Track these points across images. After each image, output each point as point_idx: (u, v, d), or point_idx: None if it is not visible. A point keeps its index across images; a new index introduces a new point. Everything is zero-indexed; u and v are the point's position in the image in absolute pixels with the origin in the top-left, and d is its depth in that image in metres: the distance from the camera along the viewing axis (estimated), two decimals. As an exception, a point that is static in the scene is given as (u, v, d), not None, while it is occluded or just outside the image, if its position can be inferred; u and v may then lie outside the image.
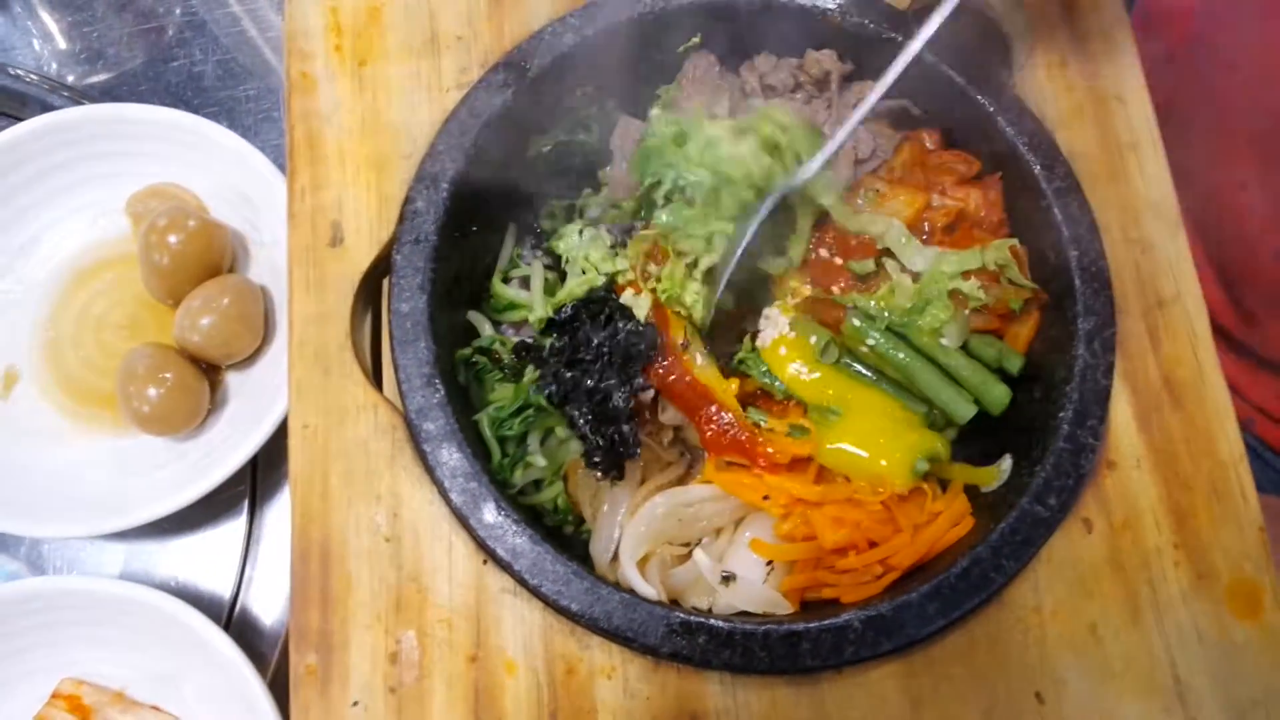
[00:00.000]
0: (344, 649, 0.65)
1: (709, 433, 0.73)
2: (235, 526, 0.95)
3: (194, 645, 0.84)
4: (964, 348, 0.76)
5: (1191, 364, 0.74)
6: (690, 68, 0.83)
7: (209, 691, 0.87)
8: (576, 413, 0.72)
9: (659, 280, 0.76)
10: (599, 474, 0.72)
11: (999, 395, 0.74)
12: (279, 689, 0.82)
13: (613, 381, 0.71)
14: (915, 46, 0.70)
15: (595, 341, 0.73)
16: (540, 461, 0.76)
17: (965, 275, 0.75)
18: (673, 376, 0.74)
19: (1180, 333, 0.74)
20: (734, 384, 0.75)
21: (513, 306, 0.82)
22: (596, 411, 0.71)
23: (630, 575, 0.71)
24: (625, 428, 0.71)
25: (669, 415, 0.75)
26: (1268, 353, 1.11)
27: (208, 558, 0.95)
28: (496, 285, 0.82)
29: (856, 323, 0.75)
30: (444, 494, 0.67)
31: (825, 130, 0.82)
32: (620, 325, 0.74)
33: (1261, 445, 1.18)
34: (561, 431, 0.77)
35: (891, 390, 0.76)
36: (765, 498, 0.72)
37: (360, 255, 0.73)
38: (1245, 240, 1.05)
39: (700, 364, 0.74)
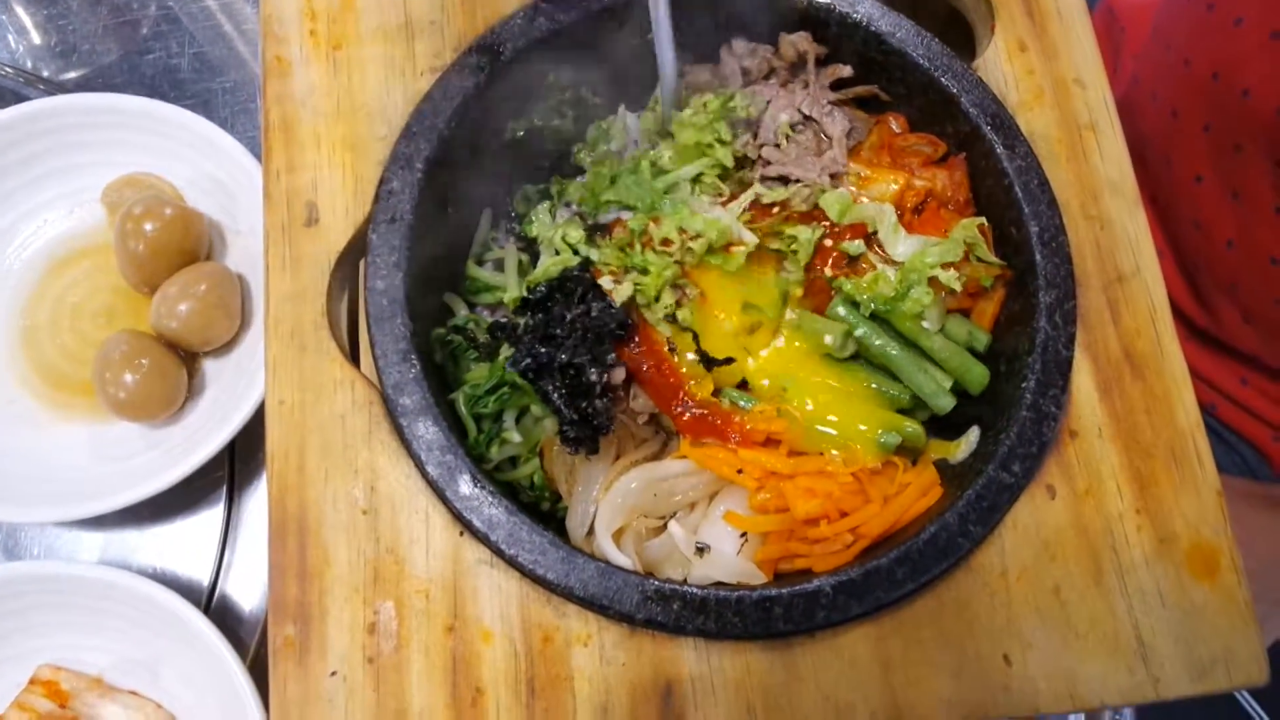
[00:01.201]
0: (322, 620, 0.65)
1: (681, 419, 0.74)
2: (214, 513, 0.96)
3: (173, 629, 0.85)
4: (940, 330, 0.78)
5: (1150, 336, 0.76)
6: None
7: (188, 676, 0.87)
8: (550, 387, 0.73)
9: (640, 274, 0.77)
10: (572, 449, 0.73)
11: (979, 375, 0.77)
12: (259, 673, 0.83)
13: (586, 357, 0.72)
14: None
15: (568, 318, 0.74)
16: (516, 438, 0.77)
17: (945, 265, 0.77)
18: (645, 365, 0.75)
19: (1140, 306, 0.76)
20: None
21: (487, 288, 0.83)
22: (570, 386, 0.72)
23: (606, 548, 0.72)
24: (599, 402, 0.72)
25: (640, 403, 0.76)
26: (1226, 338, 1.14)
27: (186, 544, 0.95)
28: (471, 267, 0.83)
29: (842, 312, 0.77)
30: (420, 467, 0.68)
31: (804, 109, 0.84)
32: (593, 304, 0.75)
33: (1224, 428, 1.20)
34: (537, 409, 0.78)
35: (865, 370, 0.78)
36: (739, 471, 0.74)
37: (336, 235, 0.73)
38: (1201, 229, 1.07)
39: (690, 360, 0.76)
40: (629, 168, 0.82)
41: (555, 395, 0.73)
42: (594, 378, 0.73)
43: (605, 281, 0.77)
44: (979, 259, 0.78)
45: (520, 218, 0.86)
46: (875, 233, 0.80)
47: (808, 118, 0.84)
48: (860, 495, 0.73)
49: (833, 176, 0.82)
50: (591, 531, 0.74)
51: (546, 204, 0.83)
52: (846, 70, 0.84)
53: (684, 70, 0.87)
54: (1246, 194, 0.97)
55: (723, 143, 0.80)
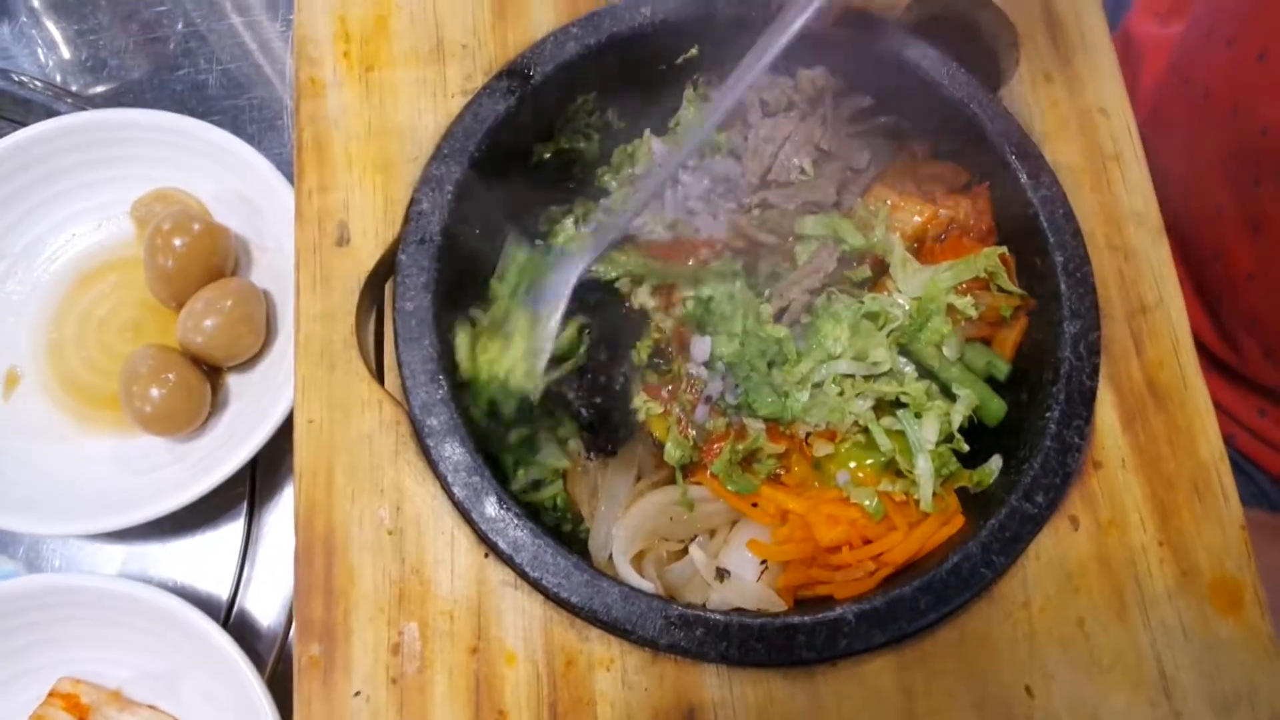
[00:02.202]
0: (347, 640, 0.66)
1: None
2: (234, 528, 0.96)
3: (193, 644, 0.85)
4: (959, 359, 0.78)
5: (1173, 367, 0.76)
6: None
7: (207, 691, 0.87)
8: (571, 392, 0.73)
9: None
10: (592, 454, 0.74)
11: (996, 409, 0.77)
12: (277, 689, 0.83)
13: (603, 358, 0.73)
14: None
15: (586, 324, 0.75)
16: (543, 460, 0.77)
17: (960, 290, 0.78)
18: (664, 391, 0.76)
19: (1163, 337, 0.77)
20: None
21: None
22: (590, 387, 0.73)
23: (624, 570, 0.72)
24: (617, 405, 0.73)
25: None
26: (1247, 371, 1.13)
27: (206, 559, 0.96)
28: (494, 284, 0.84)
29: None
30: (446, 488, 0.68)
31: (823, 145, 0.85)
32: (612, 309, 0.76)
33: (1244, 460, 1.20)
34: (562, 432, 0.78)
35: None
36: (754, 504, 0.74)
37: (366, 255, 0.74)
38: (1222, 262, 1.07)
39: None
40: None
41: (574, 397, 0.73)
42: (613, 379, 0.73)
43: (623, 284, 0.78)
44: (999, 288, 0.78)
45: (545, 235, 0.87)
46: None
47: (824, 151, 0.85)
48: (884, 522, 0.73)
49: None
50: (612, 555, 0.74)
51: (570, 218, 0.83)
52: (866, 101, 0.85)
53: (708, 95, 0.88)
54: (1266, 228, 0.98)
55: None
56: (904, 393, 0.75)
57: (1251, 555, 0.72)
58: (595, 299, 0.76)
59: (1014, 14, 0.83)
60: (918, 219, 0.80)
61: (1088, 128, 0.82)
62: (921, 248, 0.83)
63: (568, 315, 0.75)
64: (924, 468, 0.73)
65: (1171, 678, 0.68)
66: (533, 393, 0.73)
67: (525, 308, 0.76)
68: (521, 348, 0.74)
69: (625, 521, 0.74)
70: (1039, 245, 0.77)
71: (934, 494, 0.72)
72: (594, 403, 0.73)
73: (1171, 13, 1.27)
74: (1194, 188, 1.07)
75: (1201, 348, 1.16)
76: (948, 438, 0.75)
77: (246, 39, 1.21)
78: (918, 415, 0.75)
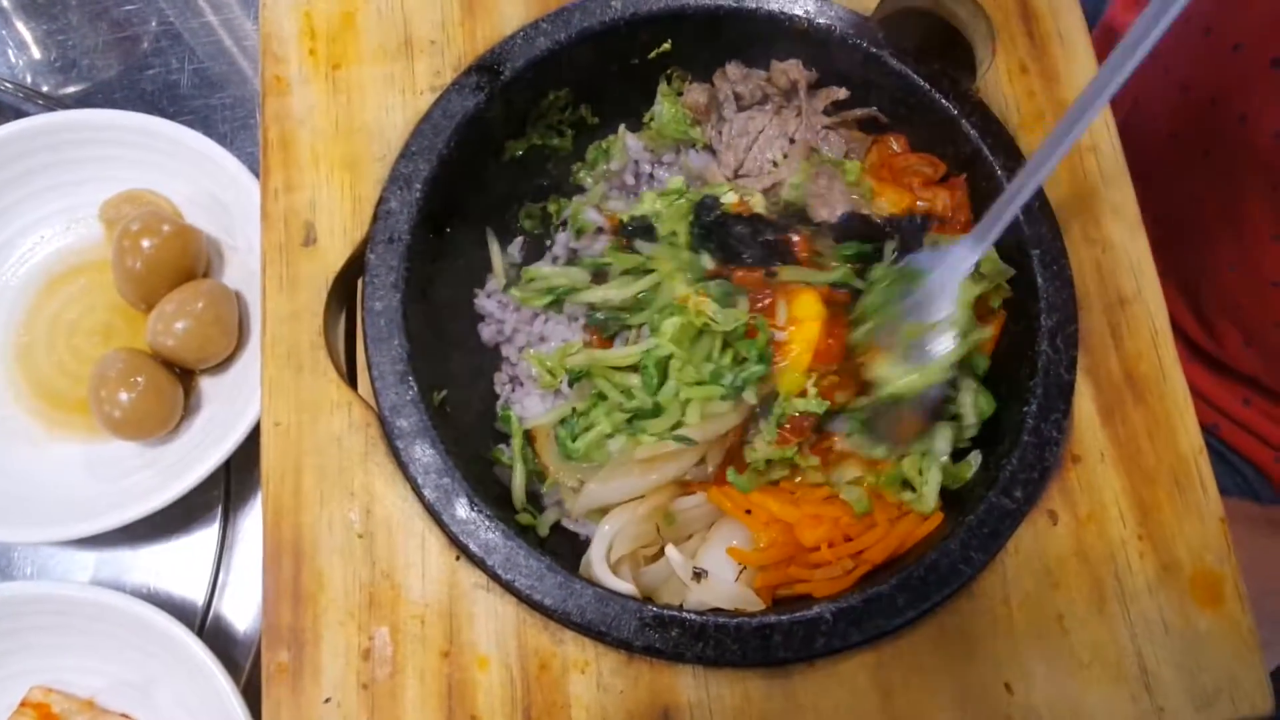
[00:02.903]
0: (316, 646, 0.65)
1: None
2: (209, 532, 0.95)
3: (166, 651, 0.84)
4: None
5: (1152, 359, 0.75)
6: None
7: (181, 699, 0.86)
8: None
9: None
10: None
11: (984, 406, 0.76)
12: (252, 696, 0.82)
13: None
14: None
15: None
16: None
17: None
18: None
19: (1141, 329, 0.76)
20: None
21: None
22: None
23: (601, 573, 0.71)
24: None
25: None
26: (1228, 360, 1.13)
27: (180, 564, 0.95)
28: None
29: None
30: (417, 490, 0.67)
31: (796, 137, 0.84)
32: None
33: (1227, 449, 1.20)
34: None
35: None
36: (748, 512, 0.73)
37: (333, 255, 0.73)
38: (1202, 252, 1.07)
39: None
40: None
41: None
42: None
43: None
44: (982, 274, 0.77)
45: (526, 233, 0.87)
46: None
47: (797, 144, 0.84)
48: (865, 519, 0.73)
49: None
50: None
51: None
52: (841, 93, 0.84)
53: (682, 90, 0.87)
54: (1246, 219, 0.97)
55: None
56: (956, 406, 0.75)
57: (1231, 548, 0.71)
58: None
59: (989, 5, 0.83)
60: (895, 210, 0.80)
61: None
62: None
63: None
64: (935, 479, 0.73)
65: (1152, 672, 0.68)
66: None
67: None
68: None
69: (605, 528, 0.73)
70: (1015, 238, 0.76)
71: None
72: None
73: (1152, 3, 1.27)
74: (1174, 180, 1.07)
75: (1183, 337, 1.16)
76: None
77: (221, 36, 1.19)
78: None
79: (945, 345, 0.71)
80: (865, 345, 0.74)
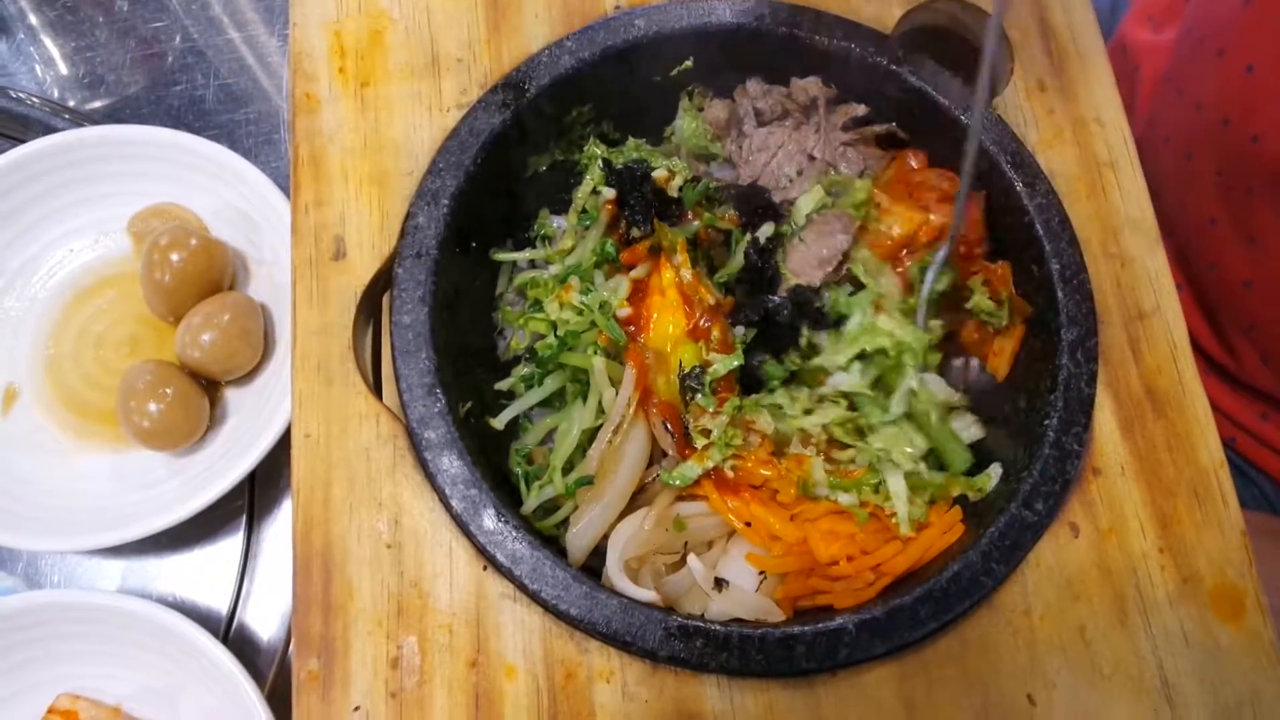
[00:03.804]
0: (345, 654, 0.65)
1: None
2: (233, 542, 0.96)
3: (192, 659, 0.85)
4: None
5: (1172, 373, 0.76)
6: None
7: (206, 706, 0.87)
8: None
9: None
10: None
11: (961, 459, 0.77)
12: (277, 704, 0.83)
13: None
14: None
15: None
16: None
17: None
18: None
19: (1160, 343, 0.77)
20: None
21: None
22: None
23: (619, 581, 0.72)
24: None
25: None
26: (1244, 376, 1.13)
27: (205, 573, 0.96)
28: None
29: None
30: (444, 501, 0.68)
31: (815, 153, 0.85)
32: None
33: (1244, 462, 1.20)
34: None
35: None
36: (748, 524, 0.74)
37: (362, 269, 0.74)
38: (1218, 270, 1.08)
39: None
40: None
41: None
42: None
43: None
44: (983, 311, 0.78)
45: (546, 239, 0.88)
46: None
47: (815, 160, 0.85)
48: (883, 533, 0.73)
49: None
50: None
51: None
52: (860, 109, 0.85)
53: (703, 106, 0.88)
54: (1260, 237, 0.98)
55: None
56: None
57: (1252, 561, 0.71)
58: None
59: (1008, 24, 0.84)
60: (903, 228, 0.80)
61: (1082, 136, 0.82)
62: (910, 254, 0.83)
63: None
64: (897, 487, 0.73)
65: (1173, 685, 0.68)
66: None
67: None
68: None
69: (615, 536, 0.74)
70: (1035, 253, 0.77)
71: (914, 516, 0.73)
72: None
73: (1165, 19, 1.28)
74: (1188, 198, 1.07)
75: (1201, 352, 1.16)
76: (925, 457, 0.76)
77: (244, 53, 1.21)
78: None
79: None
80: None
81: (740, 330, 0.78)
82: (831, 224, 0.81)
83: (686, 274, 0.77)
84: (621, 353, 0.76)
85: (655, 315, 0.77)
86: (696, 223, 0.80)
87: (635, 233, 0.79)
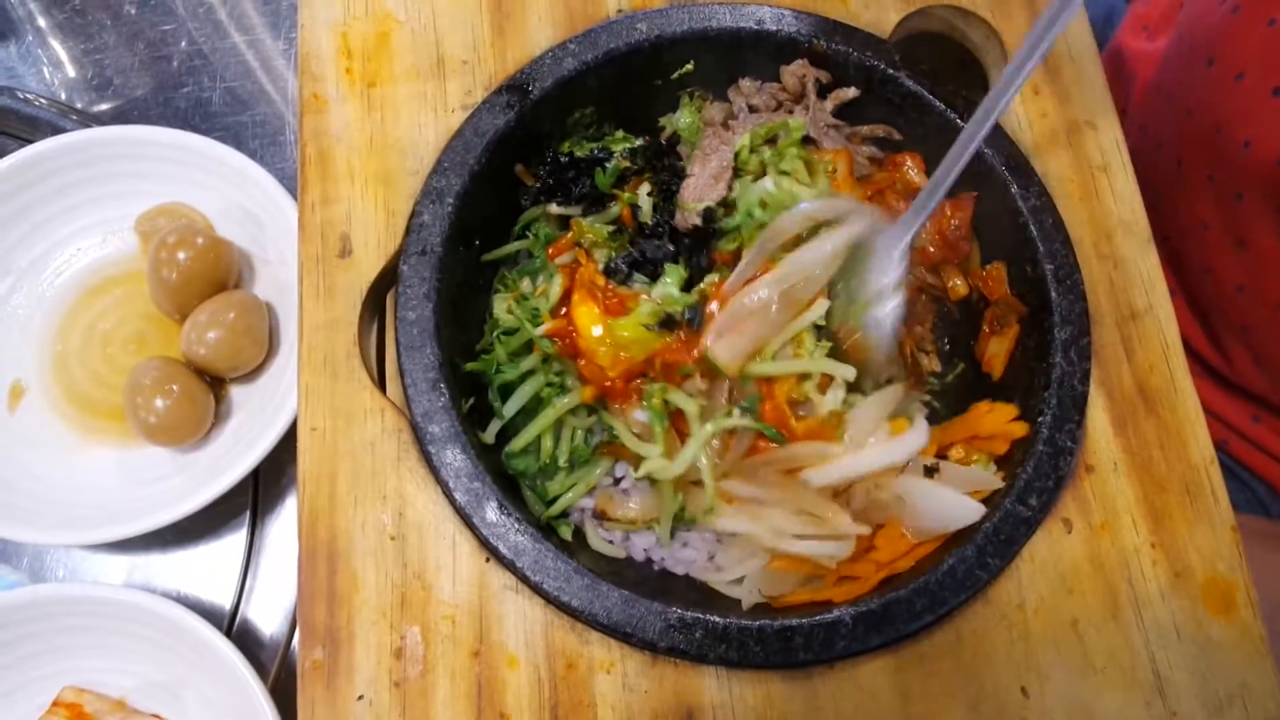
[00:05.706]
0: (350, 644, 0.66)
1: None
2: (237, 537, 0.97)
3: (196, 652, 0.85)
4: None
5: (1164, 372, 0.77)
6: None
7: (210, 699, 0.88)
8: None
9: None
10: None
11: None
12: (280, 697, 0.84)
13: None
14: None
15: None
16: None
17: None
18: None
19: (1153, 343, 0.78)
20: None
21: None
22: None
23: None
24: None
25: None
26: (1237, 379, 1.15)
27: (209, 568, 0.96)
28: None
29: None
30: (448, 494, 0.69)
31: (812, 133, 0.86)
32: None
33: (1236, 464, 1.21)
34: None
35: None
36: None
37: (368, 266, 0.76)
38: (1210, 274, 1.09)
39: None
40: None
41: None
42: None
43: None
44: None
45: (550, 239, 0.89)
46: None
47: (807, 139, 0.86)
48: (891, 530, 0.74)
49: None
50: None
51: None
52: (850, 93, 0.86)
53: (702, 108, 0.89)
54: (1251, 242, 0.99)
55: None
56: None
57: (1243, 556, 0.72)
58: None
59: (1002, 29, 0.85)
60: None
61: (1076, 139, 0.84)
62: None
63: None
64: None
65: (1165, 678, 0.69)
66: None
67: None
68: None
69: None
70: (1030, 254, 0.78)
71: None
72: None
73: (1160, 28, 1.29)
74: (1180, 203, 1.09)
75: (1193, 354, 1.17)
76: None
77: (249, 57, 1.23)
78: None
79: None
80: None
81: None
82: (711, 141, 0.84)
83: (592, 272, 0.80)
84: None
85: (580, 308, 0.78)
86: (616, 207, 0.84)
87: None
